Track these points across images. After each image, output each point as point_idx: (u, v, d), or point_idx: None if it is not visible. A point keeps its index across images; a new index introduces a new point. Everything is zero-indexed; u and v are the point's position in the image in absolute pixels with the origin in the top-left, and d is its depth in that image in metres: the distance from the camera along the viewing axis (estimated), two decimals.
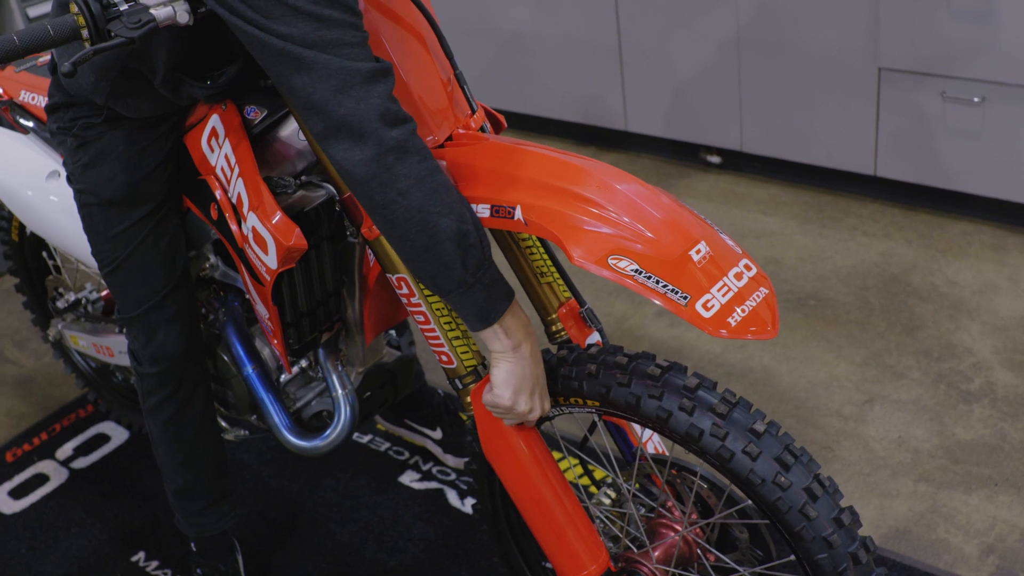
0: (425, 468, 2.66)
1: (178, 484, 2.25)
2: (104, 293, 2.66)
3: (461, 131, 1.75)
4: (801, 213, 3.60)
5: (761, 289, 1.49)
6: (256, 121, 1.86)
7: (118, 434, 2.95)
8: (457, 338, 1.74)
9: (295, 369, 2.20)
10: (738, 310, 1.46)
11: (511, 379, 1.61)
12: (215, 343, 2.22)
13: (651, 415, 1.58)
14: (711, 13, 3.61)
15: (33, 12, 3.88)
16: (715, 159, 3.93)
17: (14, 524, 2.67)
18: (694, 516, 1.77)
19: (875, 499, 2.44)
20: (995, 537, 2.32)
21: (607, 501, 1.84)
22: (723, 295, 1.46)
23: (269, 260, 1.81)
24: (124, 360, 2.48)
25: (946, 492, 2.45)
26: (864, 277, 3.22)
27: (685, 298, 1.45)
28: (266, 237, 1.79)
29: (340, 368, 2.12)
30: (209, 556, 2.36)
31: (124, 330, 2.13)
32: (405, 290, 1.75)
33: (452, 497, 2.56)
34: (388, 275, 1.75)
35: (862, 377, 2.82)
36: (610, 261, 1.47)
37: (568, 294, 1.91)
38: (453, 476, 2.63)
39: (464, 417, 2.01)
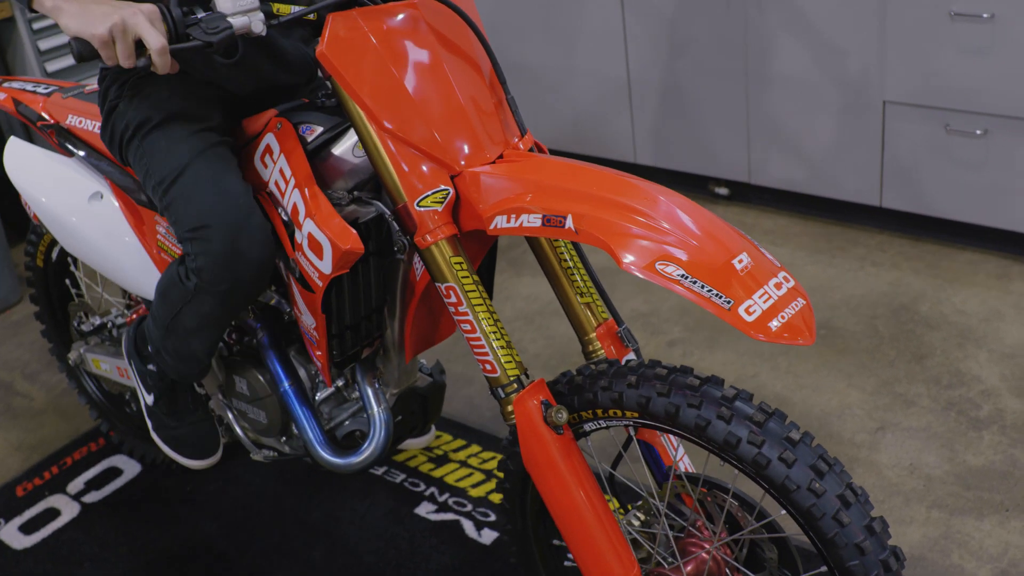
0: (441, 499, 2.67)
1: (188, 349, 2.12)
2: (130, 317, 2.67)
3: (511, 151, 1.82)
4: (810, 244, 3.63)
5: (799, 299, 1.55)
6: (311, 138, 1.92)
7: (130, 468, 2.96)
8: (502, 347, 1.77)
9: (331, 387, 2.22)
10: (778, 316, 1.51)
11: (75, 19, 1.66)
12: (250, 362, 2.24)
13: (690, 424, 1.62)
14: (719, 46, 3.66)
15: (44, 45, 3.92)
16: (723, 191, 3.97)
17: (25, 559, 2.67)
18: (723, 534, 1.79)
19: (890, 525, 2.44)
20: (1008, 562, 2.33)
21: (637, 522, 1.86)
22: (764, 302, 1.52)
23: (324, 265, 1.86)
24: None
25: (959, 518, 2.46)
26: (874, 306, 3.25)
27: (728, 303, 1.50)
28: (322, 241, 1.84)
29: (376, 385, 2.15)
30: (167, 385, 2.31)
31: (187, 246, 1.96)
32: (453, 299, 1.78)
33: (469, 528, 2.57)
34: (437, 284, 1.79)
35: (874, 405, 2.83)
36: (657, 266, 1.53)
37: (607, 314, 1.96)
38: (470, 507, 2.64)
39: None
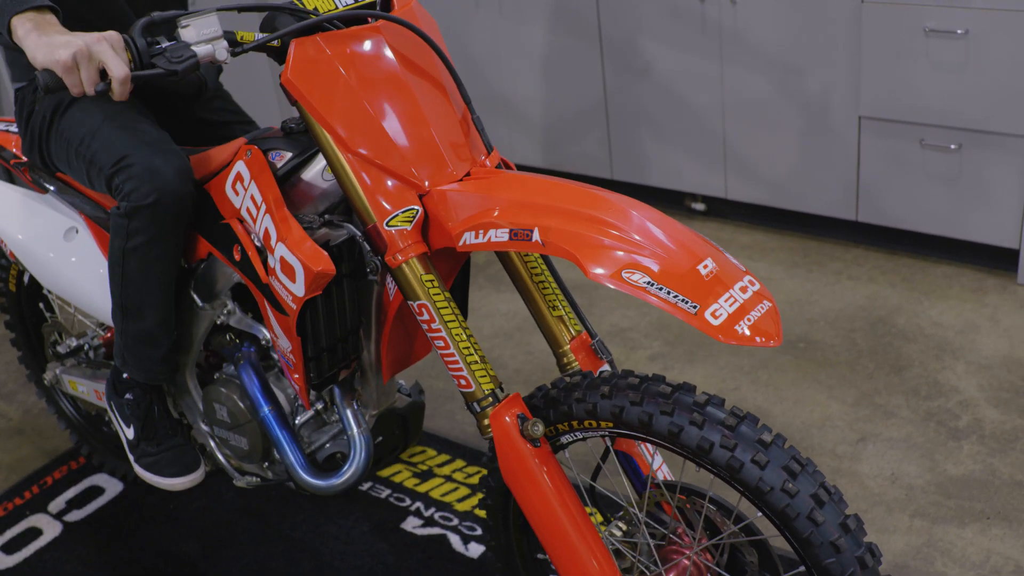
0: (427, 514, 2.67)
1: (144, 326, 2.20)
2: (106, 336, 2.66)
3: (478, 168, 1.84)
4: (787, 258, 3.67)
5: (764, 302, 1.58)
6: (281, 164, 1.93)
7: (112, 486, 2.94)
8: (476, 363, 1.79)
9: (310, 410, 2.22)
10: (744, 319, 1.53)
11: (40, 50, 1.68)
12: (230, 389, 2.24)
13: (663, 431, 1.64)
14: (695, 62, 3.69)
15: None
16: (700, 206, 4.00)
17: None
18: (703, 540, 1.80)
19: (873, 535, 2.47)
20: (990, 570, 2.36)
21: (619, 532, 1.87)
22: (730, 305, 1.54)
23: (296, 288, 1.88)
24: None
25: (941, 527, 2.49)
26: (851, 320, 3.28)
27: (695, 307, 1.52)
28: (294, 264, 1.85)
29: (356, 407, 2.15)
30: (143, 408, 2.34)
31: (113, 182, 2.08)
32: (426, 316, 1.80)
33: (456, 542, 2.57)
34: (409, 302, 1.81)
35: (854, 416, 2.86)
36: (624, 275, 1.56)
37: (580, 327, 1.98)
38: (456, 521, 2.64)
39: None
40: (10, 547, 2.76)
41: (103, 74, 1.68)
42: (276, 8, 1.78)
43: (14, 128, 2.55)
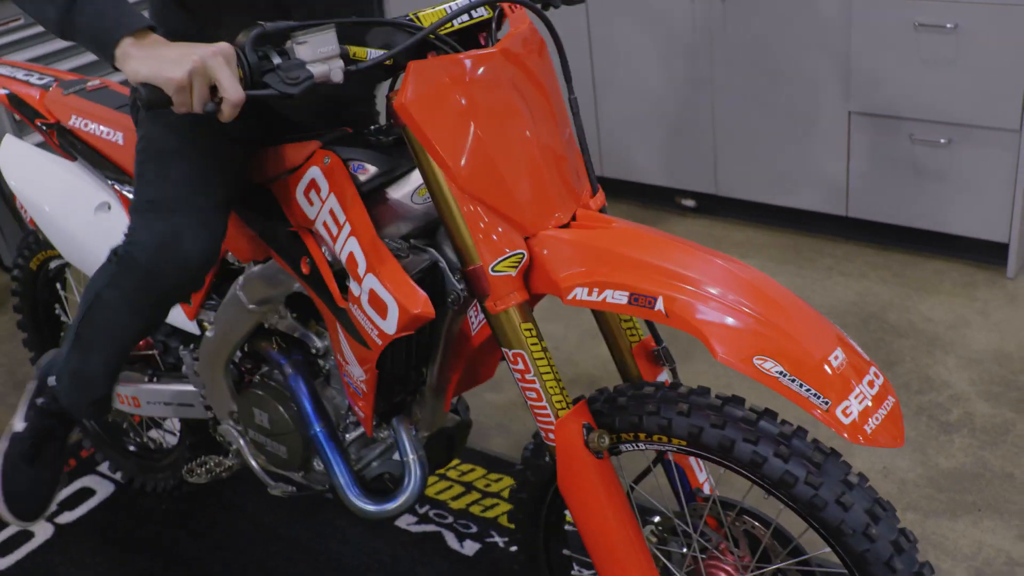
0: (422, 512, 2.68)
1: (87, 368, 2.10)
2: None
3: (583, 211, 1.74)
4: (778, 255, 3.68)
5: (889, 398, 1.53)
6: (364, 178, 1.82)
7: (104, 488, 2.93)
8: (563, 410, 1.73)
9: (371, 436, 2.14)
10: (872, 418, 1.49)
11: (145, 64, 1.53)
12: (272, 395, 2.16)
13: (745, 459, 1.60)
14: (685, 59, 3.70)
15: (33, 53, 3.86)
16: (690, 203, 4.01)
17: None
18: (747, 559, 1.78)
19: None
20: (982, 561, 2.37)
21: (654, 539, 1.86)
22: (859, 403, 1.50)
23: (387, 325, 1.76)
24: (150, 411, 2.43)
25: (933, 520, 2.50)
26: (843, 315, 3.29)
27: (826, 403, 1.47)
28: (388, 301, 1.74)
29: (414, 432, 2.08)
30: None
31: (133, 216, 1.91)
32: (520, 365, 1.71)
33: (451, 540, 2.58)
34: (504, 349, 1.72)
35: None
36: (755, 361, 1.49)
37: (644, 332, 1.91)
38: (451, 519, 2.64)
39: None
40: (2, 549, 2.75)
41: (212, 90, 1.52)
42: (393, 24, 1.67)
43: (36, 79, 2.39)
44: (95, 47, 1.59)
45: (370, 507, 2.07)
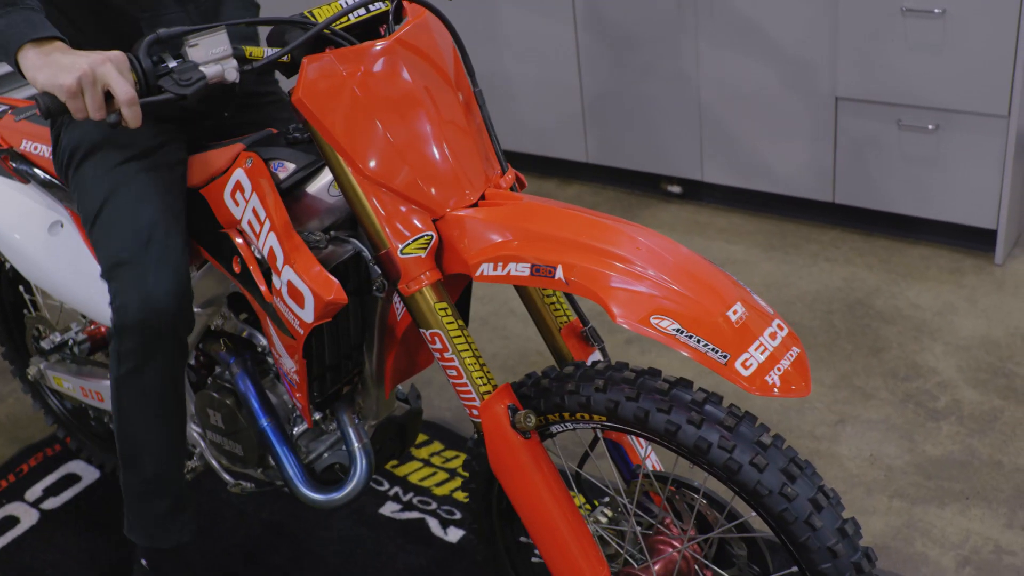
0: (406, 499, 2.66)
1: (143, 476, 2.13)
2: (90, 330, 2.61)
3: (493, 190, 1.78)
4: (764, 241, 3.67)
5: (794, 348, 1.54)
6: (284, 176, 1.87)
7: (88, 474, 2.91)
8: (488, 392, 1.75)
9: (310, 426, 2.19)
10: (774, 369, 1.50)
11: (42, 71, 1.59)
12: (224, 395, 2.19)
13: (659, 429, 1.61)
14: (670, 44, 3.68)
15: None
16: (676, 189, 3.99)
17: None
18: (692, 532, 1.79)
19: (853, 516, 2.47)
20: (970, 549, 2.37)
21: (604, 519, 1.86)
22: (760, 354, 1.51)
23: (305, 314, 1.81)
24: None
25: (920, 507, 2.50)
26: (829, 302, 3.29)
27: (725, 357, 1.49)
28: (303, 291, 1.79)
29: (357, 421, 2.11)
30: (161, 573, 2.29)
31: (108, 285, 1.99)
32: (438, 345, 1.75)
33: (434, 526, 2.57)
34: (421, 329, 1.76)
35: (833, 398, 2.87)
36: (652, 321, 1.51)
37: (572, 314, 1.95)
38: (434, 506, 2.63)
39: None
40: None
41: (108, 96, 1.59)
42: (286, 22, 1.71)
43: None
44: (4, 56, 1.65)
45: (318, 496, 2.13)
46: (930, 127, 3.28)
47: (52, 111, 1.59)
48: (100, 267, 1.99)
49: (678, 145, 3.86)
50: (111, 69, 1.57)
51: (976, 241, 3.45)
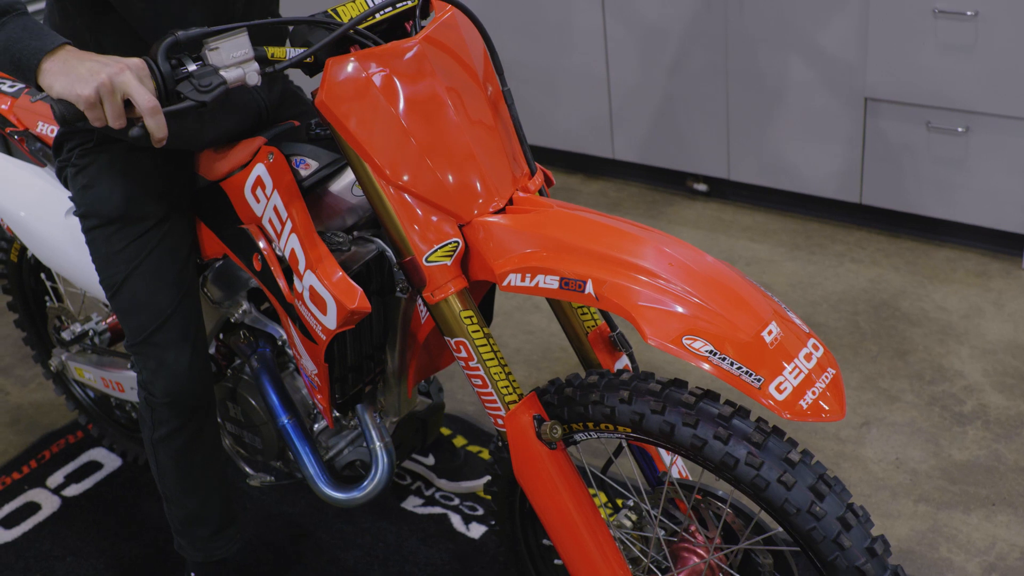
0: (428, 493, 2.66)
1: (188, 511, 2.21)
2: (110, 321, 2.62)
3: (521, 194, 1.74)
4: (789, 240, 3.65)
5: (829, 370, 1.51)
6: (306, 174, 1.83)
7: (110, 461, 2.92)
8: (514, 401, 1.73)
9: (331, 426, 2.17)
10: (808, 393, 1.47)
11: (59, 79, 1.53)
12: (244, 388, 2.18)
13: (685, 443, 1.58)
14: (699, 42, 3.66)
15: None
16: (702, 187, 3.98)
17: (6, 554, 2.63)
18: (718, 541, 1.77)
19: (877, 520, 2.46)
20: (996, 556, 2.35)
21: (627, 523, 1.85)
22: (795, 377, 1.48)
23: (327, 320, 1.78)
24: (134, 396, 2.44)
25: (946, 512, 2.48)
26: (854, 302, 3.27)
27: (759, 380, 1.46)
28: (326, 297, 1.76)
29: (378, 420, 2.09)
30: None
31: (132, 361, 2.09)
32: (463, 353, 1.72)
33: (456, 522, 2.56)
34: (446, 337, 1.73)
35: (858, 400, 2.85)
36: (684, 341, 1.48)
37: (599, 318, 1.91)
38: (456, 501, 2.62)
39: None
40: (8, 522, 2.74)
41: (128, 104, 1.53)
42: (310, 22, 1.65)
43: (7, 87, 2.43)
44: (19, 75, 1.59)
45: (338, 495, 2.11)
46: (960, 129, 3.26)
47: (69, 119, 1.53)
48: (125, 334, 2.06)
49: (705, 142, 3.84)
50: (131, 78, 1.51)
51: (1003, 245, 3.42)
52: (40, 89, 1.56)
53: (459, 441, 2.83)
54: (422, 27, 1.73)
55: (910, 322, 3.16)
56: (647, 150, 4.02)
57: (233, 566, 2.37)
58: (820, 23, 3.39)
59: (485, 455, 2.77)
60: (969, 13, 3.07)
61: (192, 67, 1.53)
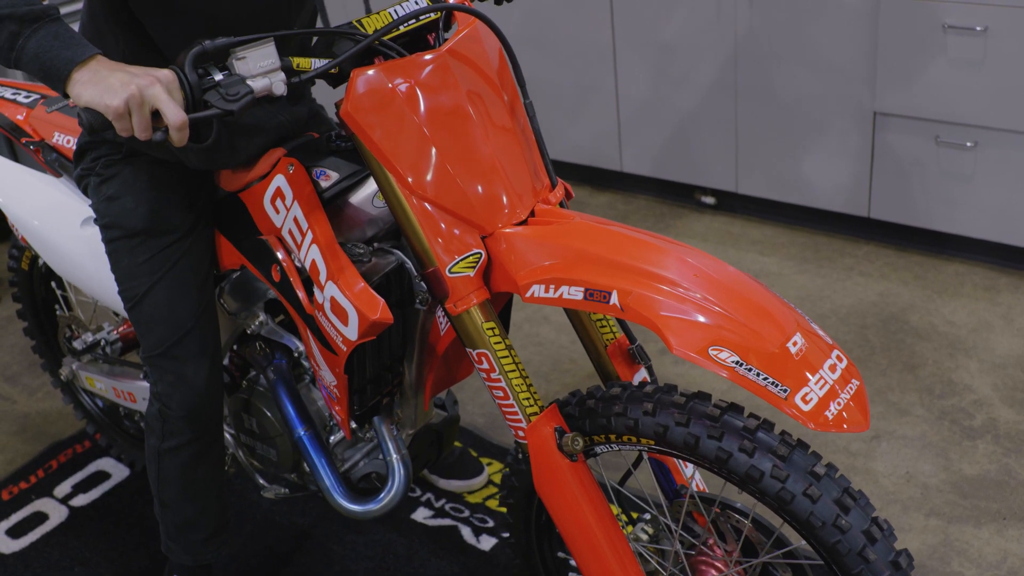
0: (438, 505, 2.65)
1: (185, 517, 2.20)
2: (122, 330, 2.61)
3: (542, 206, 1.74)
4: (798, 254, 3.65)
5: (853, 381, 1.52)
6: (327, 185, 1.84)
7: (118, 471, 2.92)
8: (535, 413, 1.73)
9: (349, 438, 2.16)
10: (833, 404, 1.48)
11: (88, 88, 1.53)
12: (259, 400, 2.18)
13: (710, 456, 1.58)
14: (708, 55, 3.67)
15: None
16: (710, 200, 3.98)
17: (14, 564, 2.63)
18: (738, 555, 1.77)
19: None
20: (1007, 570, 2.35)
21: (645, 536, 1.85)
22: (820, 388, 1.48)
23: (349, 332, 1.78)
24: (145, 407, 2.44)
25: (957, 526, 2.48)
26: (863, 316, 3.27)
27: (785, 391, 1.47)
28: (347, 308, 1.76)
29: (395, 432, 2.09)
30: None
31: (147, 373, 2.08)
32: (485, 365, 1.72)
33: (467, 534, 2.56)
34: (468, 349, 1.73)
35: None
36: (711, 352, 1.48)
37: (618, 331, 1.91)
38: (467, 513, 2.62)
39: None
40: (16, 531, 2.74)
41: (155, 115, 1.53)
42: (335, 33, 1.66)
43: (23, 97, 2.43)
44: (48, 82, 1.59)
45: (355, 507, 2.11)
46: (968, 144, 3.26)
47: (96, 127, 1.53)
48: (141, 345, 2.06)
49: (713, 155, 3.84)
50: (161, 91, 1.51)
51: (1012, 259, 3.42)
52: (67, 96, 1.57)
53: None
54: (445, 39, 1.74)
55: (919, 336, 3.15)
56: (656, 163, 4.02)
57: (231, 574, 2.37)
58: (829, 37, 3.40)
59: (495, 467, 2.76)
60: (978, 29, 3.08)
61: (219, 76, 1.54)
